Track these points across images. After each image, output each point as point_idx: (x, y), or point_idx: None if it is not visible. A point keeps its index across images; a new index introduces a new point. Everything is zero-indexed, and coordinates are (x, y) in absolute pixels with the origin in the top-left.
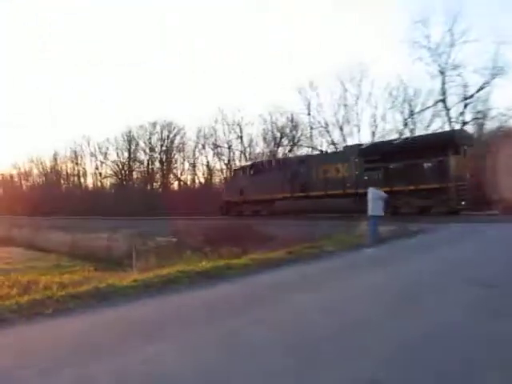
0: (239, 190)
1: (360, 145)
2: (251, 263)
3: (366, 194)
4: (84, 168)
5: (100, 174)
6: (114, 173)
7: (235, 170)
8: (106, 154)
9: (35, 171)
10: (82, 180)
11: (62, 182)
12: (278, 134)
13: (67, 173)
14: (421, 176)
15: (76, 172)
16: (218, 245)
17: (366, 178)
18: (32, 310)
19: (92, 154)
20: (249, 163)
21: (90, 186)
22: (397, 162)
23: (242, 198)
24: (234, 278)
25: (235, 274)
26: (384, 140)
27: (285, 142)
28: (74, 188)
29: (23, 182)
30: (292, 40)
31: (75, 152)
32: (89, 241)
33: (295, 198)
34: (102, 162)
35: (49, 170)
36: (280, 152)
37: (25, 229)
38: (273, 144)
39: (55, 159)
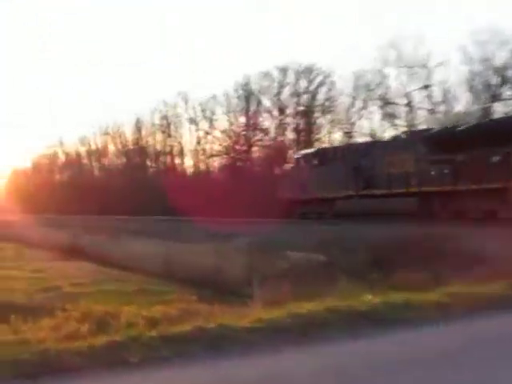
0: (301, 184)
1: (427, 129)
2: (448, 301)
3: (431, 194)
4: (180, 142)
5: (204, 150)
6: (225, 148)
7: (297, 158)
8: (211, 119)
9: (111, 148)
10: (178, 160)
11: (149, 163)
12: (496, 79)
13: (156, 150)
14: (485, 172)
15: (168, 148)
16: (390, 267)
17: (432, 172)
18: (110, 357)
19: (192, 120)
20: (313, 149)
21: (189, 169)
22: (465, 152)
23: (303, 196)
24: (420, 325)
25: (420, 318)
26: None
27: (507, 91)
28: (167, 172)
29: (95, 163)
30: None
31: (166, 118)
32: (188, 255)
33: (359, 196)
34: (206, 133)
35: (131, 146)
36: (495, 109)
37: (98, 235)
38: (486, 96)
39: (138, 129)
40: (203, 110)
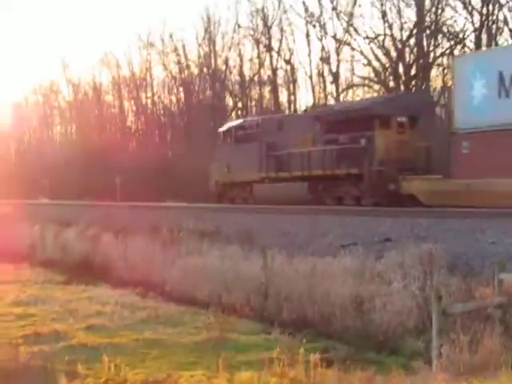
0: (226, 164)
1: (327, 108)
2: None
3: (318, 178)
4: (289, 61)
5: (335, 76)
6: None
7: (223, 132)
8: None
9: (159, 74)
10: (284, 95)
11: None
12: None
13: (242, 75)
14: (352, 156)
15: (267, 72)
16: None
17: (318, 155)
18: None
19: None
20: (238, 121)
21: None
22: (345, 134)
23: (228, 178)
24: None
25: None
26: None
27: None
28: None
29: (128, 102)
30: None
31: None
32: (302, 279)
33: (271, 180)
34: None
35: (195, 69)
36: None
37: (134, 237)
38: None
39: (210, 38)
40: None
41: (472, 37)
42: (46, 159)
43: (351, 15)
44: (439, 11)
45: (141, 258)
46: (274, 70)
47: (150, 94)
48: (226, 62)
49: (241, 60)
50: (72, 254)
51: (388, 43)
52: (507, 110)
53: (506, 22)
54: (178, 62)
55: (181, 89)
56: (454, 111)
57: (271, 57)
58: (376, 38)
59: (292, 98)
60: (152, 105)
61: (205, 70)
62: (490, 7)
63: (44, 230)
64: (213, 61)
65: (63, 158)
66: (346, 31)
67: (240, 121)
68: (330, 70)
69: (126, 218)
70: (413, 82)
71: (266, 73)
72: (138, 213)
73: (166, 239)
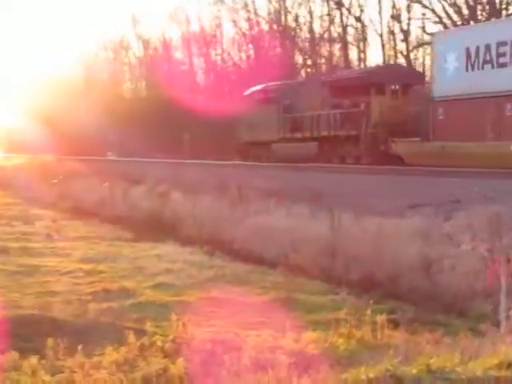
0: (250, 125)
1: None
2: None
3: (325, 138)
4: (360, 19)
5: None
6: None
7: (247, 95)
8: None
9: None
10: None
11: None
12: None
13: (312, 32)
14: (353, 119)
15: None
16: None
17: (326, 118)
18: None
19: None
20: (260, 86)
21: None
22: (348, 99)
23: (251, 138)
24: None
25: None
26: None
27: None
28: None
29: (198, 59)
30: None
31: None
32: (369, 239)
33: (286, 140)
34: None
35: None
36: None
37: (203, 195)
38: None
39: None
40: None
41: None
42: (115, 116)
43: None
44: None
45: (209, 216)
46: (345, 28)
47: (219, 51)
48: (296, 18)
49: (311, 17)
50: (140, 211)
51: (460, 0)
52: (472, 81)
53: None
54: (248, 19)
55: (250, 46)
56: (432, 81)
57: (341, 14)
58: None
59: (362, 55)
60: (222, 62)
61: (275, 26)
62: None
63: (113, 187)
64: (283, 18)
65: (132, 114)
66: None
67: (262, 85)
68: (401, 27)
69: (194, 175)
70: None
71: (336, 30)
72: (206, 170)
73: (234, 197)
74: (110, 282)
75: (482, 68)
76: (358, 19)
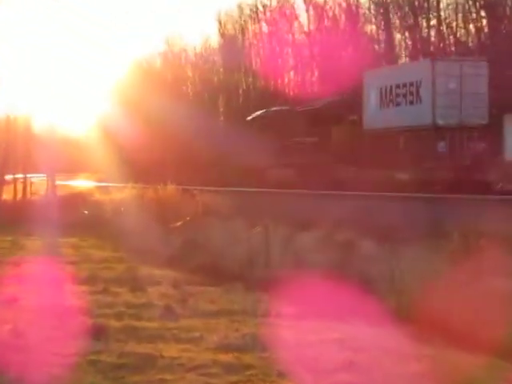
0: (250, 149)
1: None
2: None
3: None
4: None
5: None
6: None
7: (249, 120)
8: None
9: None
10: None
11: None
12: None
13: None
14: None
15: None
16: None
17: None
18: None
19: None
20: (260, 112)
21: None
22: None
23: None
24: None
25: None
26: None
27: None
28: None
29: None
30: None
31: None
32: None
33: (277, 166)
34: None
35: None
36: None
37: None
38: None
39: None
40: None
41: None
42: None
43: None
44: None
45: (413, 277)
46: None
47: (433, 22)
48: None
49: None
50: (312, 271)
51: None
52: (383, 117)
53: None
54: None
55: (482, 13)
56: (363, 114)
57: None
58: None
59: None
60: (437, 37)
61: None
62: None
63: (268, 233)
64: None
65: None
66: None
67: (262, 111)
68: None
69: (392, 214)
70: None
71: None
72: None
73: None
74: None
75: (387, 106)
76: None
